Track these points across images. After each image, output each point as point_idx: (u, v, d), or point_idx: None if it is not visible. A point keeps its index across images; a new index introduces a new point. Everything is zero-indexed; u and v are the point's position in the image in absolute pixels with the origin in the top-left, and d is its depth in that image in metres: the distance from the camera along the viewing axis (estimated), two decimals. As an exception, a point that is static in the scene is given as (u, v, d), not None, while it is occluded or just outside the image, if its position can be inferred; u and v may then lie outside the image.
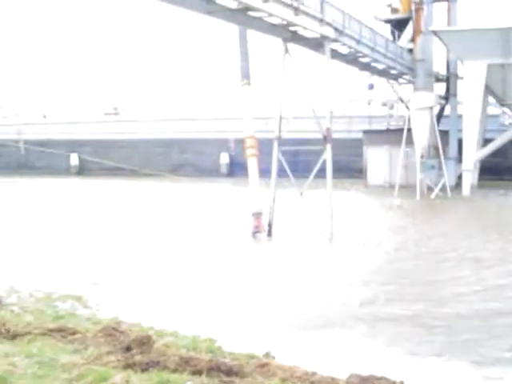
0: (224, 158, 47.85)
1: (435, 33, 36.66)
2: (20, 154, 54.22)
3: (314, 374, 7.65)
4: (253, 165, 22.69)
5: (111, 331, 9.07)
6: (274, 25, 21.19)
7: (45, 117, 58.43)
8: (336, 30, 23.59)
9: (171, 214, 26.73)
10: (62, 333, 9.19)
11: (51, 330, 9.25)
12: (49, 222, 24.75)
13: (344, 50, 27.96)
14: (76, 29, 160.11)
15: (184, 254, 17.99)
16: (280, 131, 22.49)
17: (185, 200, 32.59)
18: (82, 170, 51.72)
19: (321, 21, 21.89)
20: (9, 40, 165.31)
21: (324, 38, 22.87)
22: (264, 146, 23.89)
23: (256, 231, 21.38)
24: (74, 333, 9.19)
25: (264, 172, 22.76)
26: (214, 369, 7.30)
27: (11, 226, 23.95)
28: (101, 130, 53.10)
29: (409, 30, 40.75)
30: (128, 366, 7.46)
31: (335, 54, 26.68)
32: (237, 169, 43.69)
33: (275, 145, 22.43)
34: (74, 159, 52.14)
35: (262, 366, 7.79)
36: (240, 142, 34.25)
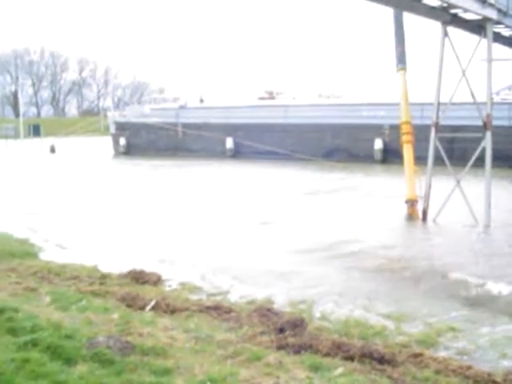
0: (378, 144, 47.22)
1: None
2: (178, 137, 56.34)
3: (469, 367, 7.44)
4: (408, 151, 22.25)
5: (265, 311, 9.29)
6: (433, 7, 20.53)
7: (202, 101, 60.23)
8: (499, 11, 22.49)
9: (324, 200, 26.70)
10: (218, 310, 9.53)
11: (208, 308, 9.61)
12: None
13: (507, 33, 26.63)
14: (231, 12, 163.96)
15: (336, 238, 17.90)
16: (437, 117, 21.84)
17: (337, 186, 32.43)
18: (237, 154, 52.85)
19: (483, 2, 20.95)
20: (168, 25, 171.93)
21: (486, 20, 21.87)
22: (419, 133, 23.30)
23: (411, 218, 21.00)
24: (229, 311, 9.50)
25: (418, 159, 22.24)
26: (367, 355, 7.29)
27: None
28: (255, 114, 54.01)
29: None
30: (281, 347, 7.61)
31: (497, 37, 25.47)
32: (391, 155, 43.00)
33: (432, 131, 21.79)
34: (229, 143, 53.42)
35: (415, 356, 7.67)
36: (394, 128, 33.61)
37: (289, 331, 8.11)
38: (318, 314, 10.07)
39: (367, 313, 10.30)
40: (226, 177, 38.32)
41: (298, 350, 7.50)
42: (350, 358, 7.23)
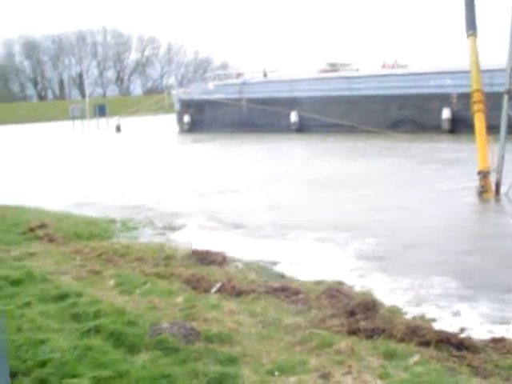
0: (446, 114, 45.86)
1: None
2: (242, 113, 56.08)
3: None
4: (480, 121, 21.29)
5: (334, 293, 8.90)
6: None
7: (265, 75, 59.70)
8: None
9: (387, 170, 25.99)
10: (286, 292, 9.17)
11: (275, 290, 9.27)
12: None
13: None
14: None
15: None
16: (510, 84, 20.83)
17: (403, 158, 31.56)
18: (302, 127, 52.22)
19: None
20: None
21: None
22: (488, 101, 22.31)
23: (482, 190, 20.15)
24: (297, 293, 9.13)
25: (489, 128, 21.30)
26: (444, 341, 6.84)
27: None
28: (319, 87, 53.24)
29: None
30: (352, 331, 7.23)
31: None
32: (459, 125, 41.66)
33: (505, 99, 20.82)
34: (294, 116, 52.82)
35: (497, 341, 7.14)
36: (463, 97, 32.41)
37: (360, 314, 7.71)
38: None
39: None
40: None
41: (371, 334, 7.11)
42: (426, 344, 6.79)
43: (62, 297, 8.34)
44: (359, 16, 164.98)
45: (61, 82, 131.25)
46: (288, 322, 7.55)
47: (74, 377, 5.62)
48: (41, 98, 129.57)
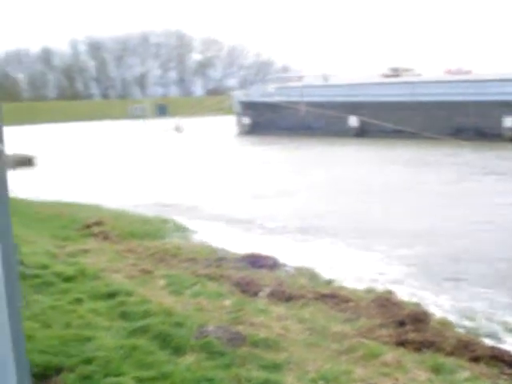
0: (509, 122, 44.84)
1: None
2: (300, 116, 55.93)
3: None
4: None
5: (385, 302, 8.76)
6: None
7: (325, 79, 59.46)
8: None
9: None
10: (335, 299, 9.07)
11: (324, 296, 9.18)
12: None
13: None
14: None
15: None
16: None
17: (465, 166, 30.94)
18: (362, 132, 51.76)
19: None
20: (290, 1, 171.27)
21: None
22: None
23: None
24: (346, 300, 9.02)
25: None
26: (496, 358, 6.63)
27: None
28: (380, 91, 52.74)
29: None
30: (400, 343, 7.09)
31: None
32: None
33: None
34: (353, 121, 52.41)
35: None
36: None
37: (409, 325, 7.55)
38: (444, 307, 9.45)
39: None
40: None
41: (419, 347, 6.95)
42: (476, 360, 6.60)
43: (112, 295, 8.41)
44: (423, 20, 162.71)
45: (124, 82, 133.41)
46: (336, 330, 7.46)
47: (117, 375, 5.65)
48: (104, 96, 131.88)
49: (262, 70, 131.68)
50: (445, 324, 8.13)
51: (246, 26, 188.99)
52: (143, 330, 6.94)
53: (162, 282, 9.71)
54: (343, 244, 14.27)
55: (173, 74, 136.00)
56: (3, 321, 1.59)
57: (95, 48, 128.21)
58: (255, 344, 6.75)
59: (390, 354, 6.43)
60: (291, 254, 12.92)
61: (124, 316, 7.57)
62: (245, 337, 6.86)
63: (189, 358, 6.25)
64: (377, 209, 18.72)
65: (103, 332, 6.78)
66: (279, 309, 8.46)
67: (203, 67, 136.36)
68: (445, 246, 13.79)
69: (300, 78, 62.25)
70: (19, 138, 56.76)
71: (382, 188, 22.84)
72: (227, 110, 72.68)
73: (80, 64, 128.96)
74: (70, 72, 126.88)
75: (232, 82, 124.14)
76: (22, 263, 9.73)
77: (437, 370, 6.27)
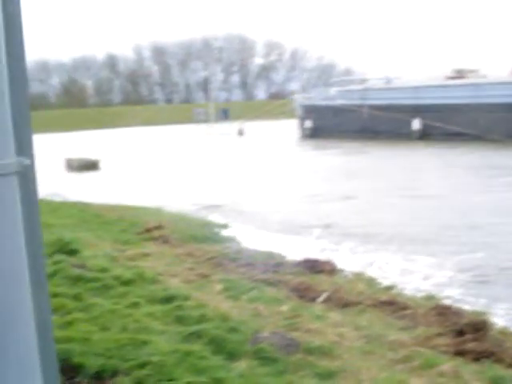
0: None
1: None
2: (363, 119, 55.51)
3: None
4: None
5: (444, 310, 8.57)
6: None
7: (388, 82, 58.84)
8: None
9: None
10: (393, 306, 8.94)
11: (382, 303, 9.06)
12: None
13: None
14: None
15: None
16: None
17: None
18: (425, 135, 51.01)
19: None
20: (352, 4, 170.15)
21: None
22: None
23: None
24: (404, 308, 8.87)
25: None
26: (561, 371, 6.40)
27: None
28: (444, 94, 51.85)
29: None
30: (459, 352, 6.92)
31: None
32: None
33: None
34: (417, 124, 51.69)
35: None
36: None
37: (469, 334, 7.36)
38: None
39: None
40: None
41: (478, 357, 6.77)
42: (539, 372, 6.39)
43: (169, 299, 8.48)
44: (487, 21, 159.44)
45: (187, 86, 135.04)
46: (392, 338, 7.33)
47: (170, 380, 5.68)
48: (168, 101, 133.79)
49: (324, 73, 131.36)
50: (506, 334, 7.90)
51: (308, 28, 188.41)
52: (198, 335, 6.97)
53: (219, 287, 9.74)
54: (405, 251, 14.04)
55: (235, 78, 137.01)
56: (30, 333, 1.59)
57: (159, 53, 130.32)
58: (309, 351, 6.70)
59: (447, 364, 6.28)
60: (350, 259, 12.80)
61: (180, 320, 7.62)
62: (299, 343, 6.82)
63: (242, 364, 6.25)
64: (437, 215, 18.40)
65: (158, 336, 6.84)
66: (335, 315, 8.38)
67: (266, 71, 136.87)
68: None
69: (363, 81, 61.71)
70: (85, 143, 58.10)
71: (446, 193, 22.40)
72: (289, 114, 72.73)
73: (144, 69, 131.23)
74: (135, 77, 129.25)
75: (294, 85, 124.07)
76: (83, 266, 9.95)
77: (495, 382, 6.10)
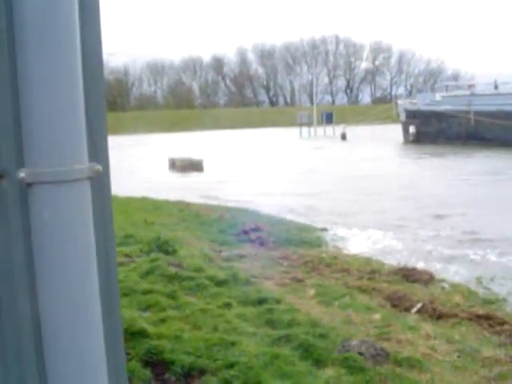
0: None
1: None
2: (469, 126, 53.97)
3: None
4: None
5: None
6: None
7: (496, 87, 56.90)
8: None
9: None
10: (490, 321, 8.64)
11: (478, 316, 8.77)
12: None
13: None
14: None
15: None
16: None
17: None
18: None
19: None
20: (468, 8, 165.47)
21: None
22: None
23: None
24: (502, 323, 8.56)
25: None
26: None
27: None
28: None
29: None
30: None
31: None
32: None
33: None
34: (527, 132, 49.77)
35: None
36: None
37: None
38: None
39: None
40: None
41: None
42: None
43: (261, 301, 8.55)
44: None
45: (292, 89, 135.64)
46: (487, 354, 7.10)
47: (256, 383, 5.73)
48: (272, 104, 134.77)
49: (431, 78, 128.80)
50: None
51: (416, 32, 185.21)
52: (287, 339, 7.00)
53: (311, 292, 9.74)
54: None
55: (341, 82, 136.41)
56: (99, 345, 1.63)
57: (264, 56, 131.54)
58: (398, 362, 6.59)
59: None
60: (448, 268, 12.46)
61: (270, 323, 7.67)
62: (388, 354, 6.72)
63: (328, 372, 6.22)
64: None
65: (248, 338, 6.91)
66: (428, 326, 8.19)
67: (371, 75, 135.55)
68: None
69: (470, 87, 60.02)
70: (190, 144, 59.36)
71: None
72: (395, 119, 71.73)
73: (249, 71, 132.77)
74: (239, 79, 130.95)
75: (400, 89, 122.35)
76: (179, 265, 10.19)
77: None
